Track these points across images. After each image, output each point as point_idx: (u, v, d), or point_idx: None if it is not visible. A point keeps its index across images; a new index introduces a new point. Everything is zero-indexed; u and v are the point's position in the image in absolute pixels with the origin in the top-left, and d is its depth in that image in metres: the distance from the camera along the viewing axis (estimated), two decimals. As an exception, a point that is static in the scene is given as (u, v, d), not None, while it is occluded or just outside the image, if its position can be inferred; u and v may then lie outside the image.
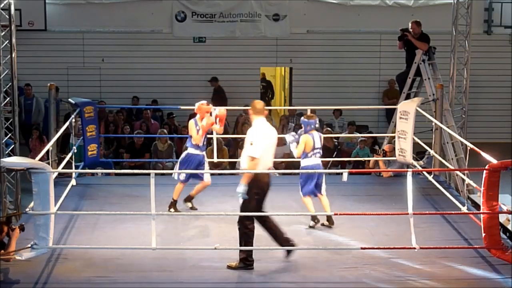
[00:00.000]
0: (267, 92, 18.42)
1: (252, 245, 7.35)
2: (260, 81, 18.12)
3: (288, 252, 7.52)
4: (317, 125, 8.64)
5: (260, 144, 7.32)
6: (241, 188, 7.25)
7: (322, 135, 8.72)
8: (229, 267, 7.33)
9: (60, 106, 11.42)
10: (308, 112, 9.13)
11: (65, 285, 7.03)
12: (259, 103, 7.61)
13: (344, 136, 14.50)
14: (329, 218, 8.54)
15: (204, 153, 9.09)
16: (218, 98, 16.35)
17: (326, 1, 17.36)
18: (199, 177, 8.99)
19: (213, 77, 16.80)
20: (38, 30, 16.58)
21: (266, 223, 7.48)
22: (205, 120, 8.92)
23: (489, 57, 17.03)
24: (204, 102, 9.07)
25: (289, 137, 8.69)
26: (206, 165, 9.23)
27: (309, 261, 7.56)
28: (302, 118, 8.64)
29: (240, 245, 7.36)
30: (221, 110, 9.11)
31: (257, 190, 7.34)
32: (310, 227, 8.53)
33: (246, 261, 7.32)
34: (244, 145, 7.56)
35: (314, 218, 8.58)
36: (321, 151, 8.62)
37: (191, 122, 9.04)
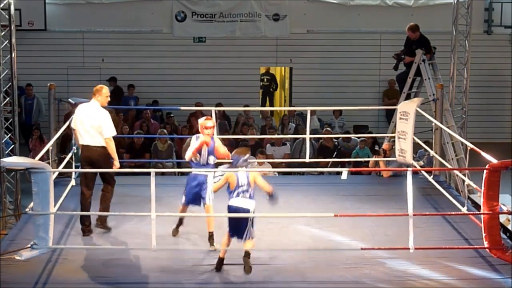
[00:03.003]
0: (271, 84, 18.47)
1: (83, 210, 8.28)
2: (263, 74, 18.15)
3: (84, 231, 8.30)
4: (242, 162, 7.42)
5: (73, 119, 8.64)
6: None
7: (254, 174, 7.46)
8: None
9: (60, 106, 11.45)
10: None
11: (65, 285, 7.03)
12: (96, 87, 8.72)
13: (342, 136, 14.47)
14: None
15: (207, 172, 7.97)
16: (116, 98, 16.32)
17: (326, 1, 17.35)
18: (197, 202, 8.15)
19: (112, 77, 16.64)
20: (38, 30, 16.57)
21: (84, 195, 8.37)
22: (200, 139, 8.02)
23: (489, 57, 17.02)
24: (203, 118, 8.17)
25: (216, 174, 7.70)
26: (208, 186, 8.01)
27: (309, 261, 7.56)
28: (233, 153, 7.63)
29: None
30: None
31: (81, 160, 8.56)
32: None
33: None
34: None
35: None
36: (248, 188, 7.37)
37: (193, 138, 8.16)
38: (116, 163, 8.38)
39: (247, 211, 7.31)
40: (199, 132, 8.09)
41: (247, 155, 7.48)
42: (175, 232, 8.33)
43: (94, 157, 8.32)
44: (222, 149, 8.12)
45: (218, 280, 7.18)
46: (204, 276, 7.26)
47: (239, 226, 7.30)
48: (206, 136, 7.97)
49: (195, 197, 8.06)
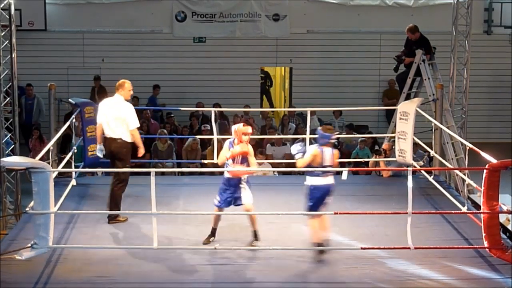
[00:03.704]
0: (266, 82, 18.50)
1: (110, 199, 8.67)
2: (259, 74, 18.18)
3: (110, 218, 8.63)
4: (333, 141, 7.76)
5: (98, 113, 8.87)
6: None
7: (336, 153, 7.82)
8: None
9: (60, 106, 11.47)
10: (323, 126, 7.93)
11: (65, 285, 7.03)
12: (119, 82, 8.85)
13: (344, 137, 14.49)
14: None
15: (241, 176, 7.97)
16: (103, 97, 16.21)
17: (326, 1, 17.35)
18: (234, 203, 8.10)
19: (96, 76, 16.61)
20: (38, 30, 16.58)
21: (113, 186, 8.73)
22: (239, 148, 7.93)
23: (489, 57, 17.02)
24: (241, 124, 8.10)
25: (294, 148, 7.84)
26: (243, 189, 8.01)
27: (309, 261, 7.56)
28: (318, 129, 7.81)
29: None
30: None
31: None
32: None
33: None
34: None
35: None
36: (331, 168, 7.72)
37: (226, 143, 8.10)
38: (141, 149, 8.74)
39: (331, 186, 7.70)
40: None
41: (330, 134, 7.71)
42: (207, 241, 8.03)
43: (114, 148, 8.67)
44: (252, 158, 8.08)
45: (219, 280, 7.18)
46: (204, 275, 7.26)
47: (323, 201, 7.69)
48: (244, 143, 7.90)
49: (229, 200, 7.99)
